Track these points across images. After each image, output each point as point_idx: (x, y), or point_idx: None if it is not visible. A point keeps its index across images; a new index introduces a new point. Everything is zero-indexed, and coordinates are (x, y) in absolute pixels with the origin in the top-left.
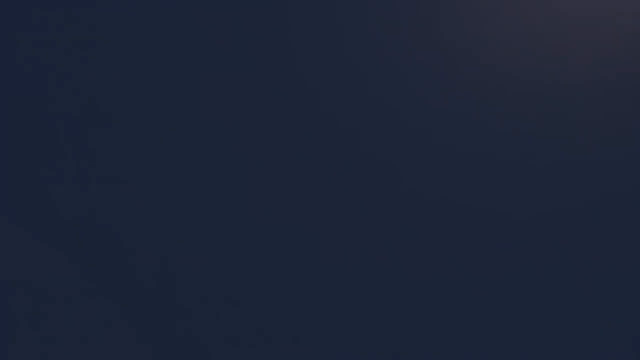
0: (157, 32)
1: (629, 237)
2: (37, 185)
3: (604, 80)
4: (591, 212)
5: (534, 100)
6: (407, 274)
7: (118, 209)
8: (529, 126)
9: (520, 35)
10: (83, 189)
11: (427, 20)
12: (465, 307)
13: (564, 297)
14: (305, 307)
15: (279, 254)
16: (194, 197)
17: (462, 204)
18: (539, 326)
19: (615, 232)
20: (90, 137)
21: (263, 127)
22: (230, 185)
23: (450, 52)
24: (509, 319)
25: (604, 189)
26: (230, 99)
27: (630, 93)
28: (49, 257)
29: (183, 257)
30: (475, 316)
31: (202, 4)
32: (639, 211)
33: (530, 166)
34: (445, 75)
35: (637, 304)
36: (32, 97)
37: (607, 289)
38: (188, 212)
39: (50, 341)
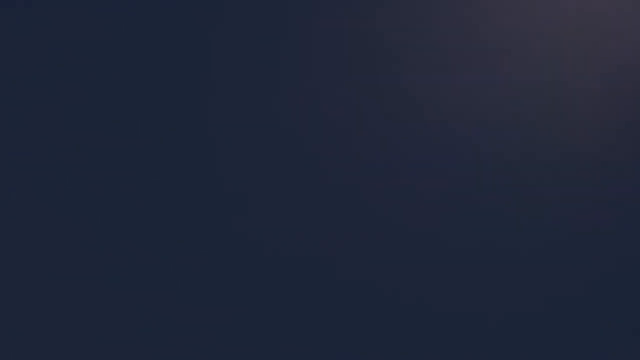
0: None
1: (629, 237)
2: (36, 185)
3: (604, 81)
4: (591, 214)
5: (533, 101)
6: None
7: (119, 207)
8: (529, 126)
9: (519, 36)
10: (84, 186)
11: (425, 21)
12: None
13: (563, 300)
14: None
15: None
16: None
17: (460, 203)
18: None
19: (615, 233)
20: (88, 138)
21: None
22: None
23: (449, 53)
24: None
25: (604, 189)
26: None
27: (630, 93)
28: (50, 257)
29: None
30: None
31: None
32: (639, 212)
33: (529, 165)
34: (443, 77)
35: (637, 305)
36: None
37: (607, 290)
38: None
39: (51, 341)
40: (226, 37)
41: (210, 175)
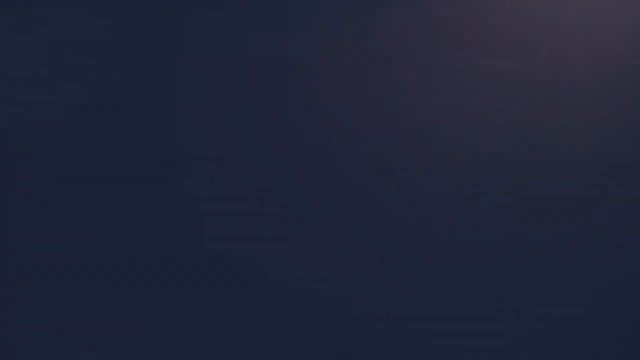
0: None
1: (629, 237)
2: (36, 185)
3: (604, 81)
4: (591, 214)
5: (532, 101)
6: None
7: (118, 206)
8: (528, 126)
9: (520, 35)
10: (77, 190)
11: (425, 18)
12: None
13: (561, 301)
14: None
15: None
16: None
17: (460, 203)
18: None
19: (615, 233)
20: (86, 138)
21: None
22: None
23: (449, 52)
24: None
25: (604, 189)
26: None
27: (630, 93)
28: (50, 258)
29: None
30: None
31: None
32: (638, 212)
33: (528, 165)
34: (443, 76)
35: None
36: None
37: (607, 290)
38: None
39: (50, 341)
40: (226, 36)
41: (207, 173)
